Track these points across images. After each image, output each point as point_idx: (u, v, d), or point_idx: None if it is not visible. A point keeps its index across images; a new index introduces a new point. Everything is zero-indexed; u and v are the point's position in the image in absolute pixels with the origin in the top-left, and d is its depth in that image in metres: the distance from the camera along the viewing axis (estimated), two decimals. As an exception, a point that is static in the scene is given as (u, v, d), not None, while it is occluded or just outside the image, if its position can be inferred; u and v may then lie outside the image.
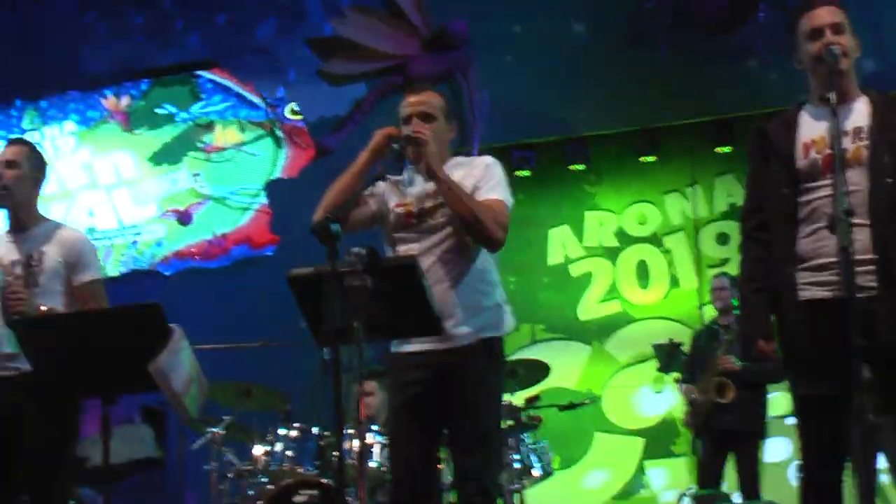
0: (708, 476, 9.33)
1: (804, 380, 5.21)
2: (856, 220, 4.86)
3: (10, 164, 6.47)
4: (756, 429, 9.41)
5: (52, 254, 6.36)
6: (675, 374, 9.92)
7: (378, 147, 5.56)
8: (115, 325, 5.74)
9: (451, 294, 5.48)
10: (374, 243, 5.14)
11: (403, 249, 5.60)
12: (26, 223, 6.50)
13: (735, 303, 9.41)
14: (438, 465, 5.93)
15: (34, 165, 6.55)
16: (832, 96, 5.00)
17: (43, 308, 6.14)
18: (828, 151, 5.06)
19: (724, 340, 9.34)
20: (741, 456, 9.37)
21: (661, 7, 11.41)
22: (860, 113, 5.15)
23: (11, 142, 6.73)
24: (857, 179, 5.01)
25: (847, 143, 5.05)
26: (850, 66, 5.21)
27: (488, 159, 5.73)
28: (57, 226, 6.56)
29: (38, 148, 6.84)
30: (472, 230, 5.43)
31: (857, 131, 5.11)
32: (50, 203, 6.73)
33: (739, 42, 11.20)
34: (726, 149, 11.27)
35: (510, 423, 8.50)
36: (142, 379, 5.49)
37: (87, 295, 6.38)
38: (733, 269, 10.79)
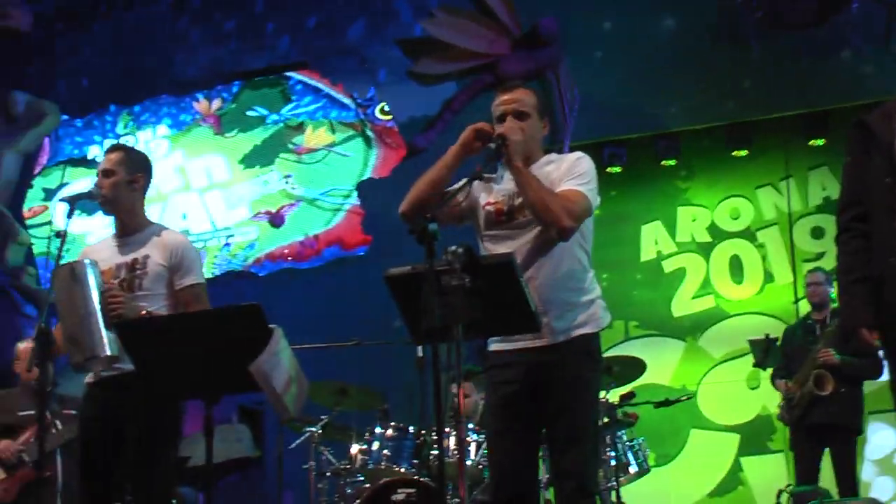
0: (805, 471, 9.31)
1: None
2: None
3: (106, 173, 6.56)
4: (853, 424, 9.42)
5: (155, 257, 6.45)
6: (771, 370, 9.91)
7: (468, 142, 5.61)
8: (216, 326, 5.80)
9: (545, 291, 5.51)
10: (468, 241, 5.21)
11: (495, 247, 5.65)
12: (130, 227, 6.59)
13: (833, 297, 9.42)
14: (537, 463, 5.96)
15: (130, 170, 6.59)
16: None
17: (144, 311, 6.25)
18: (929, 141, 5.04)
19: (823, 334, 9.32)
20: (837, 452, 9.36)
21: (751, 1, 11.35)
22: None
23: (109, 149, 6.82)
24: None
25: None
26: None
27: (578, 154, 5.76)
28: (160, 229, 6.63)
29: (137, 152, 6.93)
30: (540, 217, 5.46)
31: None
32: (149, 206, 6.80)
33: (832, 34, 11.10)
34: (820, 141, 11.21)
35: (606, 420, 8.53)
36: (243, 379, 5.56)
37: (190, 298, 6.45)
38: (828, 263, 10.82)
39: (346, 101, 12.87)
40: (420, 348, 8.03)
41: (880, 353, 5.66)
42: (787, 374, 9.61)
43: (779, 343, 9.80)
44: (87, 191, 6.67)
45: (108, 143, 13.58)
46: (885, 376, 8.73)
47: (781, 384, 9.59)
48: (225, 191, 13.26)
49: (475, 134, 5.57)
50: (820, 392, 9.15)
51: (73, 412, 8.44)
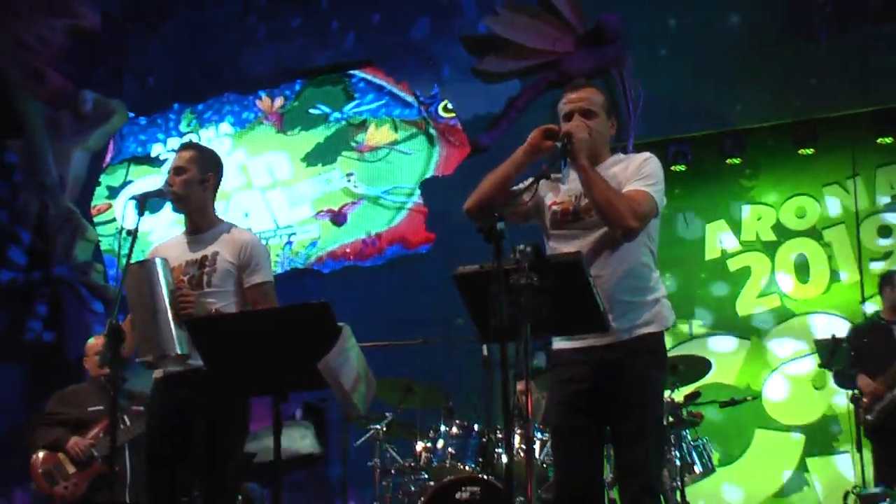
0: (883, 475, 9.24)
1: None
2: None
3: (177, 170, 6.65)
4: None
5: (224, 255, 6.52)
6: (834, 370, 9.87)
7: (536, 143, 5.65)
8: (284, 324, 5.86)
9: (610, 289, 5.55)
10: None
11: (561, 246, 5.69)
12: (201, 225, 6.67)
13: None
14: (602, 462, 5.99)
15: (201, 168, 6.66)
16: None
17: (212, 308, 6.32)
18: None
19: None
20: None
21: (820, -2, 11.37)
22: None
23: (181, 147, 6.90)
24: None
25: None
26: None
27: (646, 155, 5.80)
28: (230, 227, 6.70)
29: (209, 150, 7.01)
30: (605, 217, 5.50)
31: None
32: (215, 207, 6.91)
33: (900, 32, 11.12)
34: (888, 139, 11.18)
35: (671, 419, 8.54)
36: (312, 377, 5.63)
37: (258, 296, 6.52)
38: (895, 262, 10.87)
39: (409, 98, 12.93)
40: (485, 347, 8.07)
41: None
42: (866, 371, 9.53)
43: (844, 344, 9.75)
44: (157, 189, 6.73)
45: (172, 141, 13.72)
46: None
47: (864, 380, 9.44)
48: (287, 189, 13.36)
49: (543, 134, 5.61)
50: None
51: (141, 408, 8.56)
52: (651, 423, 5.68)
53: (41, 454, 8.91)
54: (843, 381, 9.68)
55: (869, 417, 9.40)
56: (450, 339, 9.86)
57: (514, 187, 5.70)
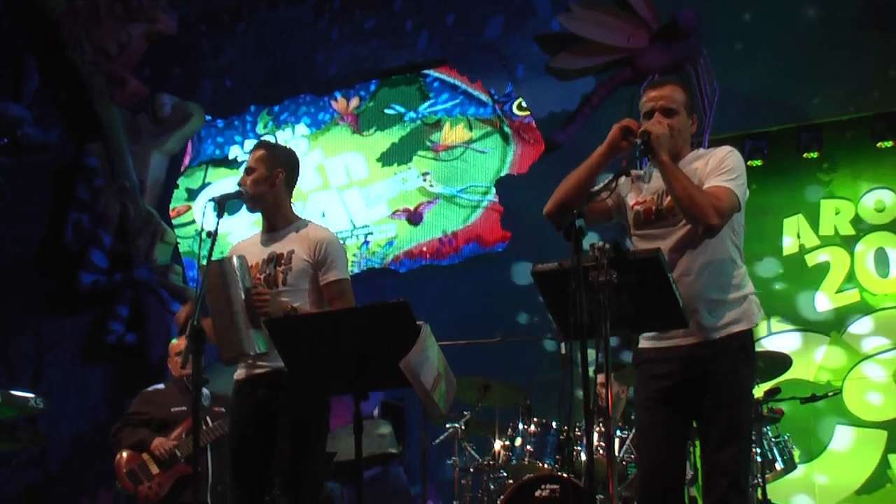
0: None
1: None
2: None
3: (248, 170, 6.74)
4: None
5: (299, 253, 6.59)
6: None
7: (614, 141, 5.67)
8: (364, 323, 5.94)
9: (696, 287, 5.58)
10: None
11: (645, 245, 5.69)
12: (276, 223, 6.75)
13: None
14: (686, 459, 5.98)
15: (269, 165, 6.73)
16: None
17: (289, 306, 6.34)
18: None
19: None
20: None
21: (898, -12, 11.27)
22: None
23: (256, 145, 6.96)
24: None
25: None
26: None
27: (727, 149, 5.82)
28: (306, 225, 6.79)
29: (280, 147, 7.06)
30: (686, 213, 5.55)
31: None
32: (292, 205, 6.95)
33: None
34: (970, 132, 11.10)
35: (752, 415, 8.51)
36: (392, 375, 5.68)
37: (334, 294, 6.57)
38: None
39: (484, 97, 12.94)
40: (563, 344, 8.06)
41: None
42: None
43: None
44: (235, 191, 6.77)
45: (249, 143, 13.80)
46: None
47: None
48: (363, 189, 13.40)
49: (622, 132, 5.63)
50: None
51: (223, 409, 8.61)
52: (742, 422, 5.71)
53: (125, 454, 9.01)
54: None
55: None
56: (528, 337, 9.85)
57: (594, 188, 5.70)
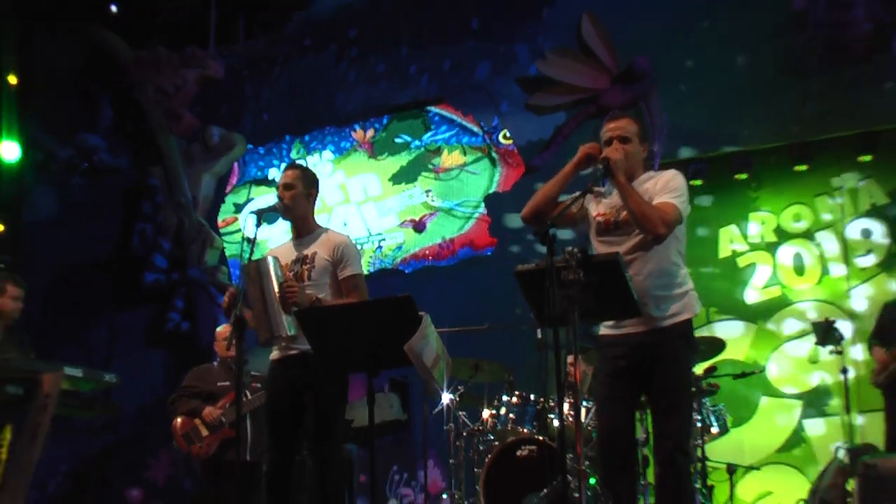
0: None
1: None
2: None
3: (287, 186, 6.79)
4: None
5: (321, 254, 6.68)
6: (831, 347, 9.81)
7: (580, 160, 5.74)
8: (376, 313, 6.05)
9: (646, 285, 5.65)
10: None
11: (605, 249, 5.76)
12: (304, 230, 6.83)
13: None
14: (635, 424, 6.02)
15: (306, 184, 6.87)
16: None
17: (314, 298, 6.41)
18: None
19: None
20: None
21: (811, 41, 11.28)
22: None
23: (287, 167, 7.06)
24: None
25: None
26: None
27: (672, 172, 5.90)
28: (326, 231, 6.93)
29: (310, 170, 7.12)
30: (639, 225, 5.65)
31: None
32: (316, 216, 7.00)
33: (877, 68, 11.04)
34: (868, 157, 11.12)
35: (693, 389, 8.53)
36: (398, 357, 5.76)
37: (350, 287, 6.66)
38: (875, 258, 10.97)
39: (475, 129, 12.96)
40: (539, 330, 8.07)
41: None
42: (883, 343, 9.41)
43: (882, 314, 9.58)
44: (271, 205, 6.86)
45: (284, 166, 13.77)
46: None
47: (879, 352, 9.33)
48: (377, 203, 13.41)
49: (587, 154, 5.66)
50: None
51: (259, 385, 8.63)
52: (684, 398, 5.86)
53: (180, 420, 9.05)
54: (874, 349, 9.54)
55: (877, 381, 9.32)
56: (511, 325, 9.85)
57: (563, 199, 5.75)
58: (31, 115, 14.84)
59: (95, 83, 15.07)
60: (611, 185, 5.81)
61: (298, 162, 13.10)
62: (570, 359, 5.64)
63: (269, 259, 6.45)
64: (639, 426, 7.78)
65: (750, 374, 9.98)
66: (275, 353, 6.75)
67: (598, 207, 5.90)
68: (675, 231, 5.75)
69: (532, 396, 8.57)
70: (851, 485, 8.16)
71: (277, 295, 6.36)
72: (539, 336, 8.21)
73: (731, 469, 9.10)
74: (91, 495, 13.79)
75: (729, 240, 12.02)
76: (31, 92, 14.79)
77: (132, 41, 14.85)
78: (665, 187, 5.76)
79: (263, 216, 6.81)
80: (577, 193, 5.70)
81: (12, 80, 14.52)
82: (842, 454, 8.58)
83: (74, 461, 13.88)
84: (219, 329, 9.55)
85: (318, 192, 7.00)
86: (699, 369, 8.92)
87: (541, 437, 8.06)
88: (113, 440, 13.70)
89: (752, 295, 11.83)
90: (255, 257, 6.56)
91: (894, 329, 9.33)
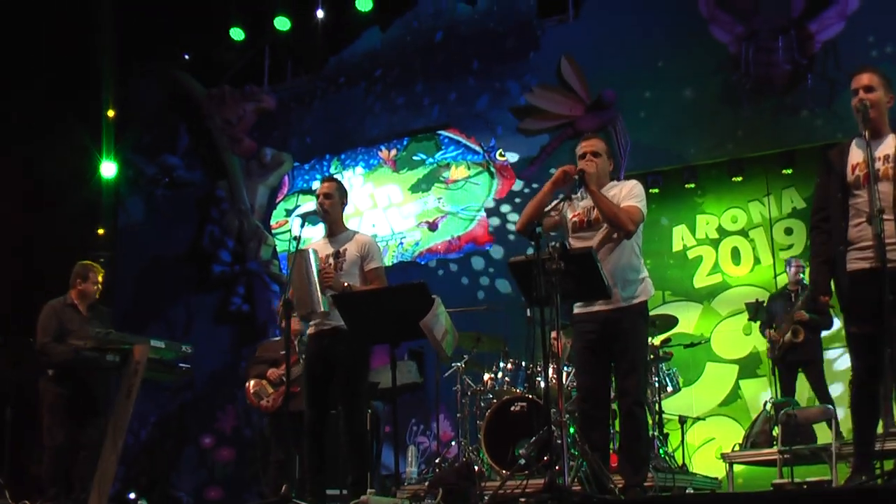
0: (785, 390, 9.35)
1: (854, 322, 5.19)
2: (885, 216, 4.87)
3: (326, 195, 6.76)
4: (816, 358, 9.56)
5: (352, 250, 6.65)
6: (759, 323, 9.90)
7: (558, 179, 5.71)
8: (397, 297, 6.11)
9: (612, 272, 5.59)
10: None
11: (578, 243, 5.72)
12: (336, 231, 6.80)
13: (804, 276, 9.61)
14: (610, 385, 5.99)
15: (341, 194, 6.87)
16: (866, 133, 5.00)
17: (345, 284, 6.39)
18: (866, 170, 5.06)
19: (798, 300, 9.44)
20: (811, 376, 9.51)
21: (743, 78, 11.26)
22: (889, 145, 5.12)
23: (325, 179, 7.06)
24: (885, 189, 5.00)
25: (879, 165, 5.04)
26: (879, 113, 5.16)
27: (633, 182, 5.91)
28: (355, 232, 6.91)
29: (342, 182, 7.10)
30: (611, 224, 5.66)
31: (886, 157, 5.09)
32: (350, 219, 6.95)
33: (796, 98, 11.05)
34: (789, 171, 11.17)
35: (651, 357, 8.52)
36: (414, 331, 5.79)
37: (374, 277, 6.66)
38: (796, 251, 10.84)
39: (477, 148, 12.92)
40: (528, 310, 8.03)
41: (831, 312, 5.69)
42: (772, 325, 9.64)
43: (765, 304, 9.83)
44: (312, 210, 6.91)
45: (321, 179, 13.80)
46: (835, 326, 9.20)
47: (769, 333, 9.65)
48: (399, 209, 13.37)
49: (563, 174, 5.65)
50: (795, 340, 9.29)
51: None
52: (641, 362, 5.86)
53: (252, 381, 9.02)
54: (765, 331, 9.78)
55: (773, 356, 9.58)
56: (506, 305, 9.81)
57: (547, 208, 5.71)
58: (125, 141, 14.88)
59: (175, 115, 15.09)
60: (584, 193, 5.76)
61: (335, 176, 13.08)
62: (553, 333, 5.61)
63: (310, 251, 6.47)
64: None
65: (697, 344, 10.01)
66: (311, 329, 6.73)
67: (573, 210, 5.87)
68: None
69: (523, 363, 8.54)
70: (776, 431, 8.14)
71: (316, 278, 6.35)
72: (528, 314, 8.19)
73: (682, 420, 9.05)
74: (173, 441, 13.80)
75: (680, 237, 12.00)
76: (125, 122, 14.85)
77: (204, 81, 14.87)
78: (629, 194, 5.75)
79: (307, 219, 6.89)
80: (560, 198, 5.70)
81: (111, 113, 14.58)
82: (769, 407, 8.54)
83: (160, 414, 13.89)
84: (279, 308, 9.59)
85: (348, 200, 6.99)
86: (657, 340, 8.89)
87: (530, 396, 8.03)
88: (189, 398, 13.69)
89: (699, 281, 11.79)
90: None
91: (779, 314, 9.56)
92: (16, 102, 12.89)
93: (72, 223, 14.00)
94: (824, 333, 9.66)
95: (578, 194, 5.85)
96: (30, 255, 13.05)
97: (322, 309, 6.32)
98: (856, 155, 5.22)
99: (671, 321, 9.05)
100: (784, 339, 9.43)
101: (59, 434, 7.96)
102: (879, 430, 5.62)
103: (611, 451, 6.62)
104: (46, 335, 8.04)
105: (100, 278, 8.45)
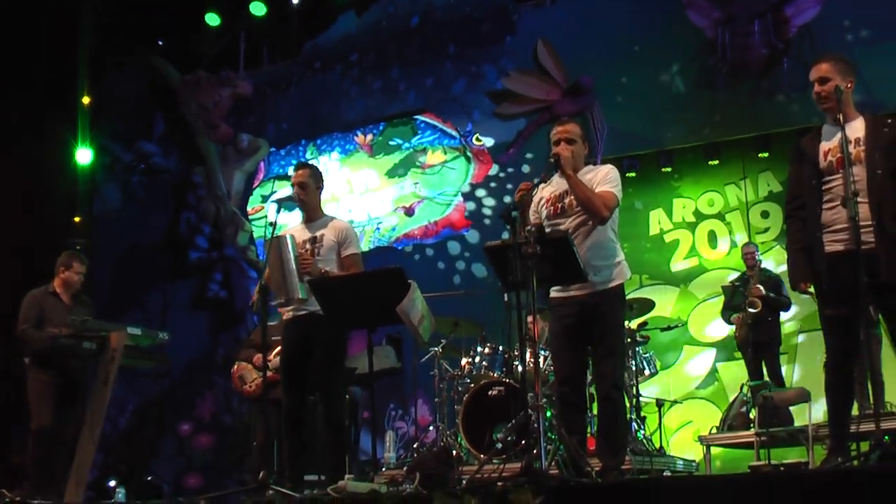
0: (753, 373, 9.39)
1: (829, 305, 5.22)
2: (860, 199, 4.91)
3: (301, 185, 6.73)
4: (775, 340, 9.68)
5: (329, 236, 6.65)
6: (721, 308, 10.14)
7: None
8: (374, 281, 6.12)
9: (588, 256, 5.60)
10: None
11: (554, 226, 5.70)
12: (313, 217, 6.78)
13: (759, 259, 9.81)
14: (586, 369, 6.00)
15: (315, 180, 6.84)
16: (840, 118, 5.10)
17: (323, 270, 6.37)
18: (839, 155, 5.11)
19: (752, 279, 9.57)
20: (768, 358, 9.60)
21: (719, 62, 11.28)
22: (857, 128, 5.17)
23: (299, 166, 7.10)
24: (858, 172, 5.05)
25: (850, 149, 5.09)
26: (836, 101, 5.23)
27: (609, 166, 5.89)
28: (332, 218, 6.90)
29: (317, 168, 7.07)
30: (586, 209, 5.63)
31: (857, 140, 5.15)
32: (325, 204, 6.91)
33: (772, 82, 11.08)
34: (765, 154, 11.17)
35: (629, 340, 8.54)
36: (391, 316, 5.79)
37: (351, 263, 6.66)
38: (772, 234, 10.91)
39: (453, 133, 12.89)
40: (505, 295, 8.04)
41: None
42: (735, 311, 9.75)
43: (740, 287, 9.86)
44: (288, 196, 6.88)
45: (295, 165, 13.76)
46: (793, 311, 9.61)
47: (735, 318, 9.72)
48: (376, 193, 13.33)
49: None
50: (752, 310, 9.37)
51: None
52: (618, 344, 5.85)
53: (237, 366, 9.01)
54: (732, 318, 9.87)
55: (740, 341, 9.73)
56: (483, 290, 9.81)
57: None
58: (101, 128, 14.78)
59: (151, 101, 15.00)
60: (559, 176, 5.76)
61: (310, 161, 13.04)
62: (530, 318, 5.60)
63: (287, 237, 6.46)
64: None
65: (674, 327, 10.08)
66: (288, 315, 6.71)
67: (545, 193, 5.86)
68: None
69: (500, 347, 8.56)
70: (753, 413, 8.19)
71: (294, 265, 6.33)
72: (506, 299, 8.19)
73: (660, 403, 9.08)
74: (152, 428, 13.76)
75: (657, 220, 12.03)
76: (100, 109, 14.76)
77: (180, 67, 14.78)
78: (604, 179, 5.74)
79: (283, 204, 6.87)
80: (536, 181, 5.69)
81: (86, 100, 14.48)
82: (745, 389, 8.60)
83: (138, 402, 13.85)
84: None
85: (323, 185, 6.96)
86: (634, 324, 8.94)
87: (508, 380, 8.05)
88: (168, 385, 13.63)
89: (676, 265, 11.83)
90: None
91: (739, 301, 9.62)
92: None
93: (53, 212, 13.94)
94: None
95: (553, 179, 5.85)
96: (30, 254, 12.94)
97: (300, 296, 6.31)
98: (827, 140, 5.29)
99: (648, 305, 9.10)
100: (743, 317, 9.49)
101: (46, 417, 7.95)
102: (855, 411, 5.66)
103: (588, 435, 6.66)
104: (26, 322, 8.05)
105: (81, 268, 8.41)
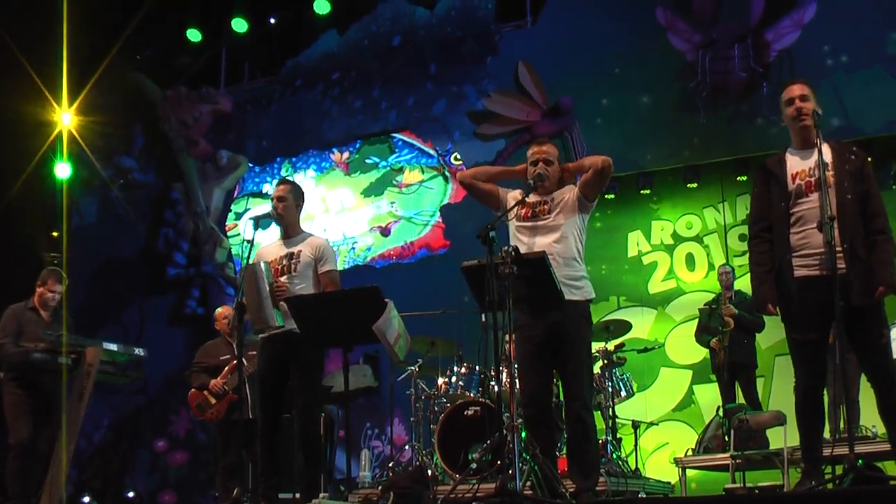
0: (727, 396, 9.37)
1: (798, 329, 5.23)
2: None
3: (280, 198, 6.75)
4: (751, 363, 9.66)
5: (306, 252, 6.66)
6: (696, 330, 10.08)
7: (521, 172, 5.93)
8: (350, 301, 6.09)
9: (557, 270, 5.61)
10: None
11: (523, 236, 5.83)
12: (291, 233, 6.79)
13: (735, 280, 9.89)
14: (552, 389, 6.03)
15: (295, 197, 6.86)
16: (817, 141, 5.14)
17: (297, 290, 6.46)
18: (808, 179, 5.15)
19: (726, 299, 9.55)
20: (743, 381, 9.57)
21: (699, 85, 11.35)
22: (825, 154, 5.24)
23: (280, 182, 7.06)
24: (829, 196, 5.10)
25: (818, 173, 5.13)
26: (817, 123, 5.29)
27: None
28: (309, 235, 6.90)
29: (297, 185, 7.11)
30: (595, 172, 5.83)
31: (826, 166, 5.17)
32: (301, 223, 6.93)
33: (751, 107, 11.16)
34: (744, 177, 11.25)
35: (605, 361, 8.57)
36: (367, 335, 5.77)
37: (328, 280, 6.65)
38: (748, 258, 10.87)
39: (432, 152, 12.93)
40: (483, 315, 8.05)
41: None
42: (710, 334, 9.70)
43: (717, 311, 9.83)
44: (266, 213, 6.89)
45: (276, 181, 13.75)
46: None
47: (714, 342, 9.58)
48: (351, 213, 13.34)
49: (525, 172, 5.86)
50: (725, 328, 9.33)
51: (255, 353, 8.52)
52: (585, 364, 5.84)
53: (193, 392, 8.94)
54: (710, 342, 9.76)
55: (717, 365, 9.56)
56: (460, 310, 9.83)
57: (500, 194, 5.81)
58: (80, 142, 14.77)
59: (130, 117, 14.99)
60: (532, 193, 5.85)
61: (288, 178, 13.05)
62: (507, 337, 5.63)
63: (261, 265, 6.44)
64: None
65: (651, 349, 10.09)
66: (264, 334, 6.71)
67: (521, 205, 5.89)
68: (578, 231, 5.83)
69: (477, 367, 8.55)
70: (729, 436, 8.22)
71: (268, 292, 6.34)
72: (483, 319, 8.21)
73: (636, 425, 9.10)
74: (127, 444, 13.72)
75: (636, 242, 12.08)
76: (80, 124, 14.72)
77: (160, 83, 14.78)
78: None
79: (260, 222, 6.82)
80: (520, 199, 5.82)
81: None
82: (721, 412, 8.63)
83: (113, 417, 13.80)
84: (218, 310, 9.45)
85: (303, 202, 6.98)
86: (610, 345, 8.94)
87: (484, 400, 8.06)
88: (143, 401, 13.61)
89: (654, 287, 11.88)
90: (251, 258, 6.54)
91: (715, 325, 9.54)
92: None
93: (31, 225, 13.91)
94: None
95: (530, 192, 5.91)
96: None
97: (276, 323, 6.32)
98: (794, 164, 5.34)
99: (625, 326, 9.12)
100: (722, 337, 9.42)
101: (24, 430, 7.93)
102: (827, 434, 5.71)
103: (558, 455, 6.68)
104: (4, 336, 8.05)
105: (57, 286, 8.37)
